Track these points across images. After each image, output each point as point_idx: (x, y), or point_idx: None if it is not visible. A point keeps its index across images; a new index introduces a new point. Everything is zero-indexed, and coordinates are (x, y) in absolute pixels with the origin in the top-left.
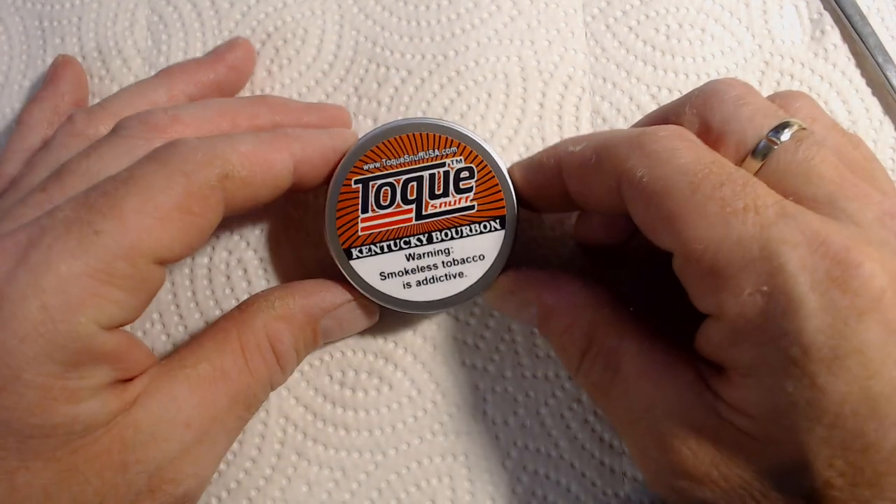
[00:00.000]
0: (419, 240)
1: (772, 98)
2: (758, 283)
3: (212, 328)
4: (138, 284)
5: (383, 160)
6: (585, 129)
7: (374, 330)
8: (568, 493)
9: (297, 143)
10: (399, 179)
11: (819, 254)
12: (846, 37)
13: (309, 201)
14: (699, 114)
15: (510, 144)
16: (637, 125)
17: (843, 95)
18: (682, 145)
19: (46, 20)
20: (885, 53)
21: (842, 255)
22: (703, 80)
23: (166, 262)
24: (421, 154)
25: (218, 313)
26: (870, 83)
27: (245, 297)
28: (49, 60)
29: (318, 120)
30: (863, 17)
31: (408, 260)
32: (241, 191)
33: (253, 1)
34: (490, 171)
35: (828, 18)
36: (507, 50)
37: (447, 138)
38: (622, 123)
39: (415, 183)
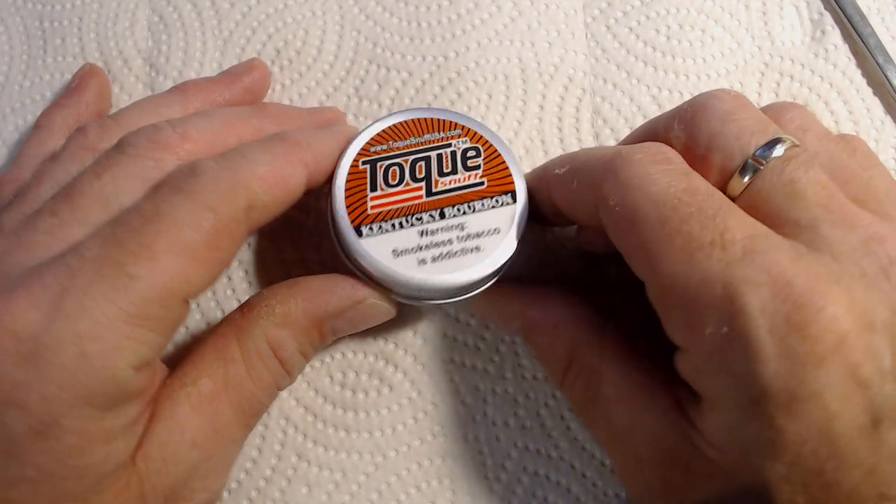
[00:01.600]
0: (431, 216)
1: (764, 110)
2: (719, 322)
3: (213, 334)
4: (169, 324)
5: (389, 143)
6: (586, 130)
7: (374, 331)
8: (568, 494)
9: (308, 152)
10: (407, 160)
11: (781, 296)
12: (847, 37)
13: (310, 203)
14: (686, 129)
15: (510, 145)
16: (628, 138)
17: (844, 95)
18: (655, 170)
19: (47, 20)
20: (886, 54)
21: (804, 298)
22: (704, 81)
23: (193, 298)
24: (426, 136)
25: (220, 315)
26: (871, 83)
27: (246, 297)
28: (49, 61)
29: (318, 126)
30: (863, 18)
31: (421, 236)
32: (263, 216)
33: (254, 2)
34: (495, 150)
35: (828, 19)
36: (508, 51)
37: (451, 122)
38: (622, 124)
39: (423, 162)
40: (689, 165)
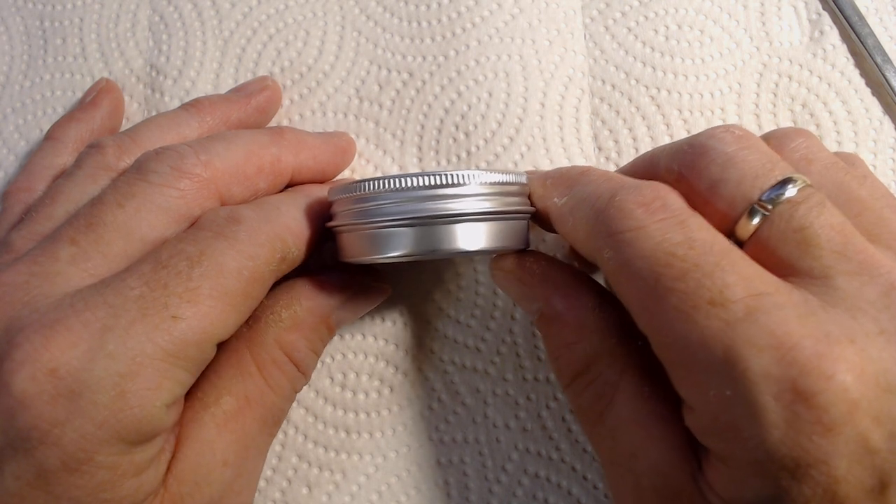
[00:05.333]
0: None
1: (767, 138)
2: (721, 386)
3: (225, 352)
4: (199, 364)
5: None
6: (585, 131)
7: (375, 332)
8: (569, 496)
9: (322, 206)
10: None
11: (786, 361)
12: (845, 37)
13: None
14: (687, 174)
15: (511, 144)
16: (627, 170)
17: (843, 96)
18: (649, 222)
19: (48, 20)
20: (884, 54)
21: (812, 363)
22: (702, 81)
23: (221, 341)
24: None
25: None
26: (869, 83)
27: None
28: (50, 61)
29: (332, 156)
30: (861, 18)
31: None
32: (290, 267)
33: (254, 2)
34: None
35: (826, 19)
36: (508, 48)
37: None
38: (621, 125)
39: None
40: (694, 207)
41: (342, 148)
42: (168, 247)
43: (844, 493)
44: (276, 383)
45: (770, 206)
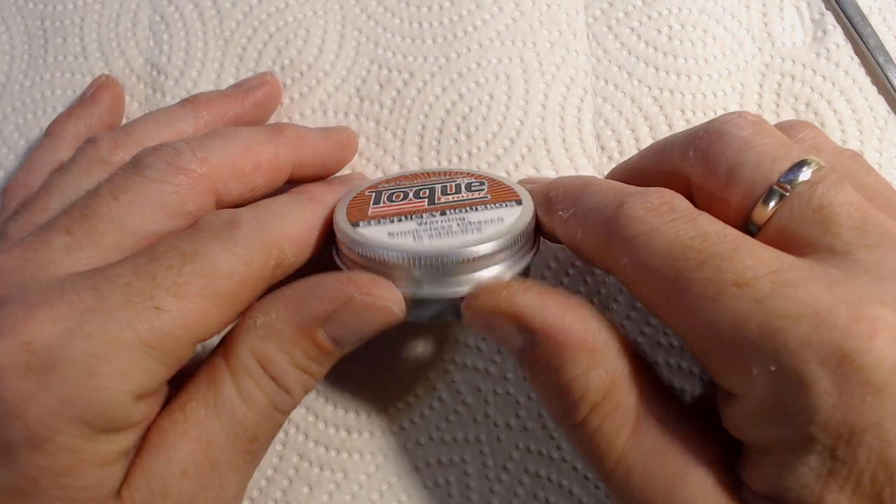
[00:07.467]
0: (432, 214)
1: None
2: (764, 362)
3: (207, 357)
4: (175, 361)
5: (399, 180)
6: (588, 131)
7: None
8: (570, 496)
9: (326, 208)
10: (412, 189)
11: (825, 326)
12: (849, 37)
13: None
14: (703, 159)
15: (512, 146)
16: (640, 158)
17: (847, 95)
18: (662, 223)
19: (48, 20)
20: (886, 54)
21: (851, 326)
22: (705, 81)
23: (202, 342)
24: (433, 178)
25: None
26: (874, 82)
27: None
28: (51, 60)
29: (332, 151)
30: (863, 18)
31: (420, 225)
32: (285, 273)
33: (255, 1)
34: (502, 182)
35: (830, 18)
36: (510, 51)
37: (461, 171)
38: (623, 125)
39: (427, 189)
40: (709, 198)
41: (343, 142)
42: (164, 243)
43: (895, 457)
44: (250, 395)
45: (789, 187)
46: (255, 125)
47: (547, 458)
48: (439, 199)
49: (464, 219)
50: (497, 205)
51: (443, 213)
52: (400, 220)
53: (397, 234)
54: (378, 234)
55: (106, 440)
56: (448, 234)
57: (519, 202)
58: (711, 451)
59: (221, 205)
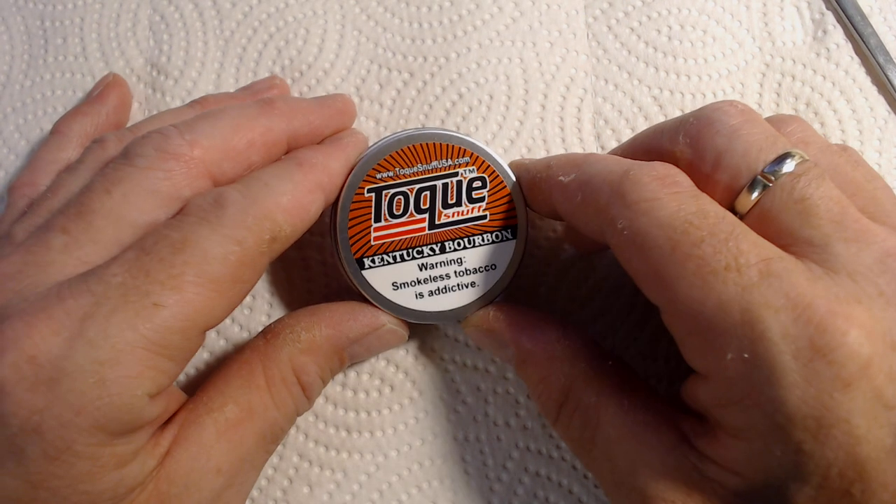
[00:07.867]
0: (432, 249)
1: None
2: (740, 348)
3: (237, 361)
4: (186, 354)
5: (396, 169)
6: (587, 131)
7: None
8: (570, 495)
9: (324, 175)
10: (412, 188)
11: (802, 320)
12: (849, 36)
13: (325, 221)
14: (692, 145)
15: (512, 146)
16: (631, 143)
17: (847, 95)
18: (665, 194)
19: (48, 20)
20: (886, 53)
21: (827, 321)
22: (705, 81)
23: (211, 329)
24: (434, 163)
25: (237, 330)
26: (875, 81)
27: (264, 318)
28: (51, 60)
29: (328, 119)
30: (864, 17)
31: (420, 270)
32: (284, 246)
33: (255, 1)
34: (501, 181)
35: (830, 18)
36: (509, 51)
37: (460, 148)
38: (623, 125)
39: (428, 192)
40: (696, 182)
41: (339, 109)
42: (153, 234)
43: (866, 454)
44: (282, 401)
45: (773, 178)
46: None
47: (546, 457)
48: (440, 215)
49: (461, 263)
50: (494, 236)
51: (442, 250)
52: (403, 259)
53: (401, 286)
54: (382, 284)
55: (123, 442)
56: (445, 290)
57: (514, 232)
58: (669, 434)
59: (219, 186)
